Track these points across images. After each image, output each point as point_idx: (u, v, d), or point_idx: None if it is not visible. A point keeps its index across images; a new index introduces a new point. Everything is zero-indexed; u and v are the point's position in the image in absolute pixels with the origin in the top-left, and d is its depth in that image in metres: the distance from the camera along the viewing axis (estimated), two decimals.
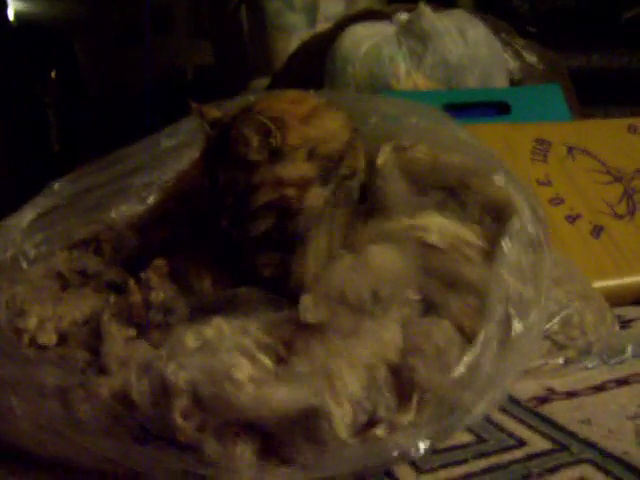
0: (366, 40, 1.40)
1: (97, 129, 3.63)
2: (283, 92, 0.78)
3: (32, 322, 0.71)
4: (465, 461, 0.63)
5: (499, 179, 0.77)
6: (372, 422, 0.58)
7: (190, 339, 0.64)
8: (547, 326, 0.82)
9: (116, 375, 0.63)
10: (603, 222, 1.14)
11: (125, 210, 1.03)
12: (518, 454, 0.64)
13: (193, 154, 0.96)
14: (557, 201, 1.17)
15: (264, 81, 1.94)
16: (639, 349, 0.88)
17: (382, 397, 0.60)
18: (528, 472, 0.60)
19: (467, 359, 0.61)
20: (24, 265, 0.89)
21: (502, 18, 1.68)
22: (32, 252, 0.92)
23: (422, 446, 0.59)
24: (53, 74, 3.43)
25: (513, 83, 1.53)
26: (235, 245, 0.75)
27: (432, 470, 0.61)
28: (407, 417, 0.59)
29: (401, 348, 0.62)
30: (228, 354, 0.61)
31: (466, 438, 0.67)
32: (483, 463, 0.63)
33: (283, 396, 0.57)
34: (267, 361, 0.61)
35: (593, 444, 0.65)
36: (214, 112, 0.76)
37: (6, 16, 3.21)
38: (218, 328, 0.65)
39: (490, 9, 1.89)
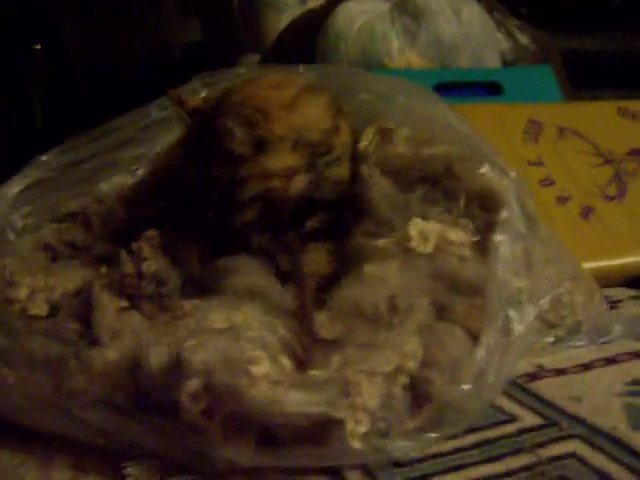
0: (359, 17, 1.39)
1: (82, 105, 3.58)
2: (264, 75, 0.77)
3: (23, 293, 0.70)
4: (455, 436, 0.63)
5: (486, 167, 0.76)
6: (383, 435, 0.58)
7: (218, 319, 0.63)
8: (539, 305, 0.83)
9: (109, 346, 0.63)
10: (593, 204, 1.15)
11: (114, 183, 1.02)
12: (509, 429, 0.64)
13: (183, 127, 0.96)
14: (548, 182, 1.17)
15: (254, 58, 1.92)
16: (626, 329, 0.89)
17: (394, 412, 0.59)
18: (519, 447, 0.61)
19: (475, 370, 0.62)
20: (11, 237, 0.88)
21: None
22: (19, 223, 0.91)
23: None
24: (38, 46, 3.38)
25: (505, 63, 1.53)
26: (220, 232, 0.74)
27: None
28: (414, 423, 0.59)
29: (420, 358, 0.62)
30: (250, 345, 0.59)
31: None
32: (473, 438, 0.63)
33: (297, 400, 0.56)
34: (286, 362, 0.60)
35: (582, 420, 0.66)
36: (193, 100, 0.74)
37: None
38: (247, 316, 0.64)
39: None
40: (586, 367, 0.79)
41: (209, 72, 0.98)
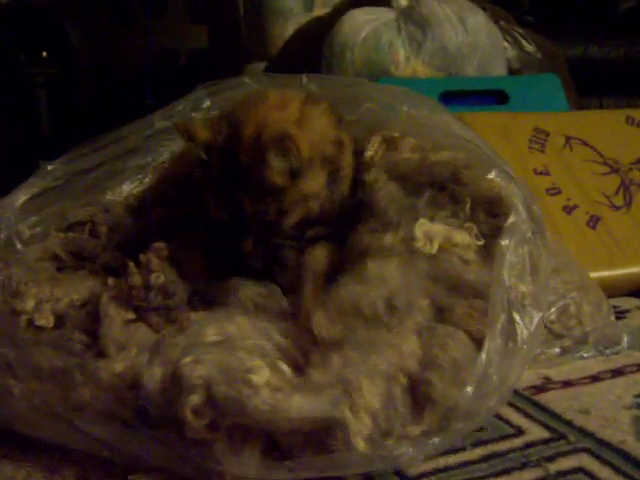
0: (365, 25, 1.39)
1: (88, 112, 3.59)
2: (261, 95, 0.75)
3: (29, 304, 0.70)
4: (463, 449, 0.63)
5: (492, 173, 0.76)
6: (385, 435, 0.58)
7: (211, 332, 0.63)
8: (545, 316, 0.82)
9: (115, 358, 0.63)
10: (600, 213, 1.14)
11: (121, 191, 1.03)
12: (516, 442, 0.64)
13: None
14: (554, 191, 1.17)
15: (259, 66, 1.92)
16: (634, 340, 0.88)
17: (397, 413, 0.59)
18: (526, 460, 0.61)
19: (477, 373, 0.61)
20: (18, 246, 0.88)
21: (501, 7, 1.67)
22: (26, 233, 0.91)
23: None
24: (44, 54, 3.39)
25: (511, 72, 1.53)
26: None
27: (430, 458, 0.61)
28: (419, 428, 0.59)
29: (420, 358, 0.61)
30: (248, 355, 0.59)
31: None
32: (481, 451, 0.63)
33: (299, 405, 0.55)
34: (286, 368, 0.60)
35: (590, 433, 0.66)
36: (202, 132, 0.72)
37: None
38: (241, 326, 0.64)
39: None
40: (594, 379, 0.79)
41: (213, 81, 0.98)
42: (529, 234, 0.70)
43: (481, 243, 0.72)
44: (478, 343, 0.63)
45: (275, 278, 0.73)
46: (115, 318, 0.68)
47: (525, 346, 0.65)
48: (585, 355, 0.84)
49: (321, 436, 0.57)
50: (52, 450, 0.64)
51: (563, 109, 1.42)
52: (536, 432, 0.66)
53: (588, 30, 2.14)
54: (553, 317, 0.84)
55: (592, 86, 1.82)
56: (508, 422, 0.68)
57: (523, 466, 0.60)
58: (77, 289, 0.74)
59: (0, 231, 0.86)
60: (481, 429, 0.66)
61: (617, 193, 1.18)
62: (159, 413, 0.59)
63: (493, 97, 1.37)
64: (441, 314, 0.66)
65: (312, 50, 1.49)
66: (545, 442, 0.64)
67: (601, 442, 0.64)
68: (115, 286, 0.73)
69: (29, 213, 0.92)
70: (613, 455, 0.62)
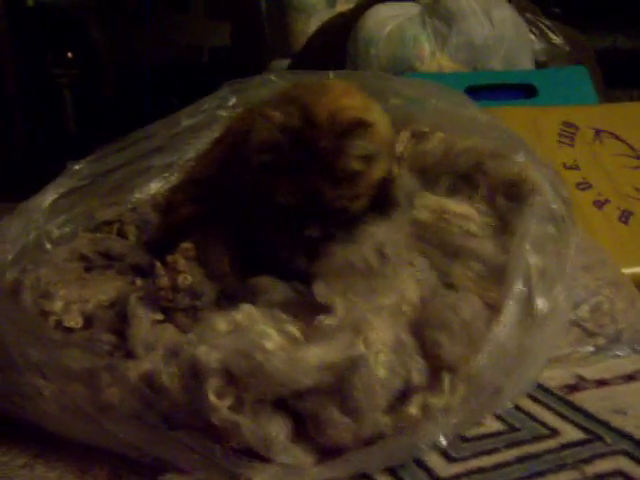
0: (390, 20, 1.37)
1: (113, 111, 3.62)
2: (322, 83, 0.75)
3: (58, 305, 0.70)
4: (497, 450, 0.62)
5: (519, 157, 0.75)
6: (408, 392, 0.58)
7: (221, 323, 0.63)
8: (576, 313, 0.81)
9: (143, 359, 0.63)
10: (632, 207, 1.12)
11: (148, 190, 1.03)
12: (552, 444, 0.63)
13: (213, 134, 0.95)
14: (584, 186, 1.15)
15: (283, 63, 1.92)
16: None
17: (414, 361, 0.59)
18: (562, 462, 0.59)
19: (491, 339, 0.60)
20: (48, 246, 0.89)
21: None
22: (55, 233, 0.91)
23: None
24: (69, 55, 3.42)
25: (538, 65, 1.50)
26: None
27: (463, 459, 0.61)
28: (440, 400, 0.58)
29: (422, 295, 0.62)
30: (258, 335, 0.60)
31: (497, 426, 0.66)
32: (515, 452, 0.62)
33: (315, 353, 0.56)
34: (295, 330, 0.61)
35: (627, 435, 0.64)
36: (276, 115, 0.70)
37: None
38: (248, 313, 0.64)
39: None
40: (629, 378, 0.77)
41: (238, 79, 0.98)
42: (555, 215, 0.69)
43: (488, 220, 0.72)
44: (493, 310, 0.63)
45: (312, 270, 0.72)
46: (143, 319, 0.68)
47: (545, 322, 0.63)
48: (619, 353, 0.82)
49: (342, 387, 0.57)
50: (84, 450, 0.65)
51: (592, 102, 1.39)
52: (571, 433, 0.65)
53: (617, 21, 2.10)
54: (586, 315, 0.82)
55: (621, 78, 1.78)
56: (542, 422, 0.67)
57: (559, 468, 0.59)
58: (105, 290, 0.74)
59: (29, 231, 0.87)
60: (515, 429, 0.65)
61: None
62: (184, 413, 0.59)
63: (520, 91, 1.35)
64: (443, 277, 0.67)
65: (336, 46, 1.48)
66: (581, 444, 0.63)
67: (639, 444, 0.62)
68: (143, 287, 0.73)
69: (57, 213, 0.92)
70: None
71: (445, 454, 0.61)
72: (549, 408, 0.69)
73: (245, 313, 0.64)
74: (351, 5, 1.71)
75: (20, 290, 0.74)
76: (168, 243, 0.80)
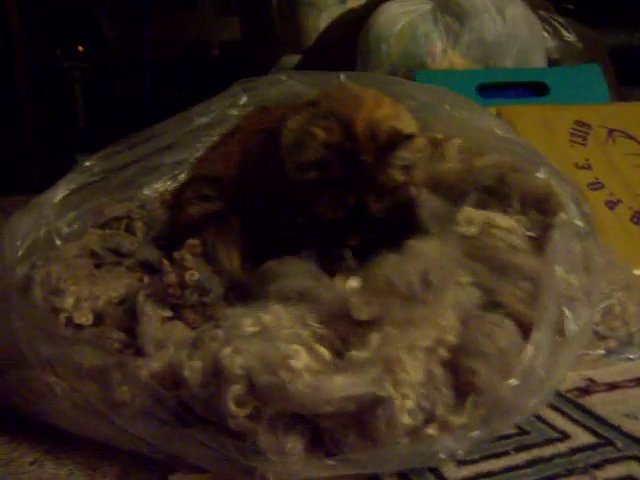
0: (401, 17, 1.36)
1: (123, 104, 3.63)
2: (357, 95, 0.75)
3: (69, 302, 0.70)
4: (506, 453, 0.61)
5: (541, 173, 0.75)
6: (429, 419, 0.57)
7: (248, 323, 0.63)
8: None
9: (154, 357, 0.63)
10: None
11: (157, 187, 1.03)
12: (562, 447, 0.62)
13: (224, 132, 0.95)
14: (596, 186, 1.14)
15: (294, 58, 1.91)
16: None
17: (440, 395, 0.58)
18: (573, 467, 0.59)
19: (523, 364, 0.60)
20: (57, 242, 0.89)
21: None
22: (65, 229, 0.92)
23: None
24: (80, 49, 3.43)
25: (551, 62, 1.49)
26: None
27: (473, 462, 0.60)
28: (460, 419, 0.58)
29: (459, 332, 0.61)
30: (285, 343, 0.59)
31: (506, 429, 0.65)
32: (525, 455, 0.61)
33: (341, 384, 0.55)
34: (324, 351, 0.60)
35: (639, 440, 0.63)
36: (321, 132, 0.71)
37: None
38: (276, 315, 0.64)
39: None
40: None
41: (249, 78, 0.98)
42: (581, 231, 0.69)
43: (531, 234, 0.71)
44: (526, 331, 0.62)
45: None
46: (152, 316, 0.68)
47: (573, 343, 0.63)
48: (631, 356, 0.81)
49: (363, 417, 0.56)
50: (94, 447, 0.65)
51: (605, 100, 1.38)
52: (582, 437, 0.64)
53: (631, 17, 2.07)
54: (597, 318, 0.81)
55: (635, 76, 1.76)
56: (552, 426, 0.66)
57: (569, 473, 0.58)
58: (115, 287, 0.75)
59: (40, 227, 0.88)
60: (524, 432, 0.65)
61: None
62: (201, 407, 0.59)
63: (532, 89, 1.34)
64: (488, 295, 0.65)
65: (347, 43, 1.47)
66: (592, 448, 0.62)
67: None
68: (151, 284, 0.73)
69: (67, 209, 0.93)
70: None
71: None
72: (559, 411, 0.69)
73: (273, 314, 0.64)
74: (362, 1, 1.69)
75: (31, 286, 0.74)
76: (176, 240, 0.80)
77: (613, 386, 0.75)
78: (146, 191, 1.03)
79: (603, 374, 0.78)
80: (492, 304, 0.64)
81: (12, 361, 0.67)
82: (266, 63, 2.11)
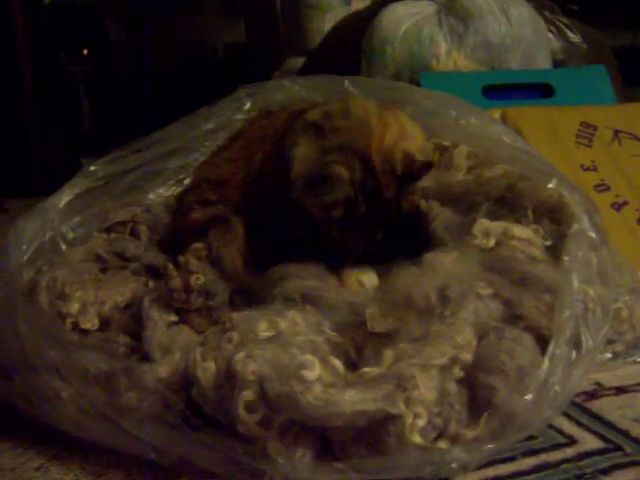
0: (406, 19, 1.36)
1: (128, 107, 3.63)
2: (365, 122, 0.76)
3: (75, 307, 0.70)
4: (513, 458, 0.61)
5: (552, 182, 0.75)
6: (441, 435, 0.57)
7: (263, 328, 0.63)
8: None
9: (160, 361, 0.63)
10: None
11: (162, 192, 1.03)
12: (569, 453, 0.62)
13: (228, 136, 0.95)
14: (602, 187, 1.13)
15: (298, 60, 1.91)
16: None
17: (454, 412, 0.58)
18: (581, 472, 0.59)
19: (539, 380, 0.59)
20: (63, 247, 0.89)
21: None
22: (70, 234, 0.92)
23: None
24: (85, 52, 3.44)
25: (556, 63, 1.48)
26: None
27: (479, 467, 0.60)
28: (473, 433, 0.57)
29: (475, 350, 0.60)
30: (300, 351, 0.59)
31: None
32: (532, 461, 0.61)
33: (352, 399, 0.55)
34: (338, 364, 0.60)
35: None
36: (344, 172, 0.73)
37: None
38: (293, 321, 0.63)
39: None
40: None
41: (253, 83, 0.98)
42: (595, 241, 0.68)
43: (548, 244, 0.71)
44: (544, 344, 0.62)
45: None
46: (158, 321, 0.68)
47: (588, 357, 0.62)
48: (638, 360, 0.81)
49: (374, 432, 0.56)
50: (99, 452, 0.65)
51: (611, 102, 1.37)
52: (590, 442, 0.64)
53: (636, 18, 2.07)
54: None
55: None
56: (559, 431, 0.66)
57: (577, 478, 0.58)
58: (120, 291, 0.75)
59: (45, 232, 0.88)
60: (532, 437, 0.64)
61: None
62: (211, 411, 0.59)
63: (538, 91, 1.34)
64: (509, 307, 0.65)
65: (351, 45, 1.47)
66: (600, 453, 0.62)
67: None
68: (156, 289, 0.73)
69: (72, 214, 0.93)
70: None
71: None
72: (567, 416, 0.68)
73: (289, 321, 0.63)
74: (367, 3, 1.69)
75: (36, 291, 0.75)
76: (180, 244, 0.80)
77: (621, 390, 0.75)
78: (151, 195, 1.03)
79: (610, 378, 0.77)
80: (513, 316, 0.63)
81: (18, 366, 0.67)
82: (271, 65, 2.12)
